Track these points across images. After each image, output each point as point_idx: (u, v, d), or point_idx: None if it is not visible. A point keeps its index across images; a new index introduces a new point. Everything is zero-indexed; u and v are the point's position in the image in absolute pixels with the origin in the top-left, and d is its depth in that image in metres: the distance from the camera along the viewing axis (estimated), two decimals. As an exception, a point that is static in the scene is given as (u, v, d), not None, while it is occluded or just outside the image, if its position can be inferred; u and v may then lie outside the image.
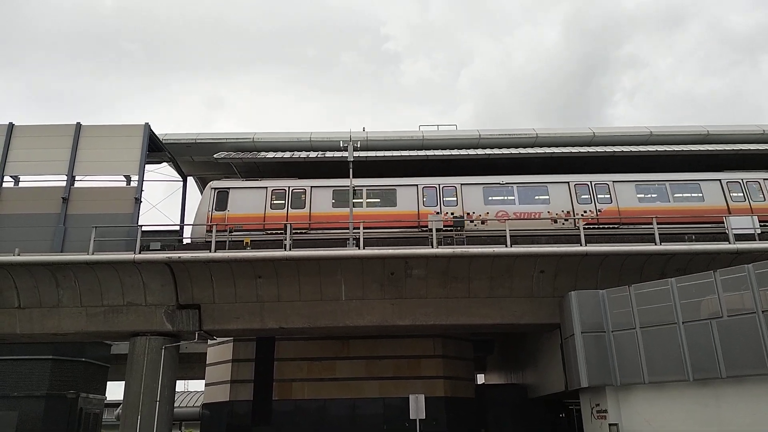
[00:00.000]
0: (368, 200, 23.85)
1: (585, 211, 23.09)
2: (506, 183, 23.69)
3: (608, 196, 23.54)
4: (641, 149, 25.87)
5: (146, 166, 23.17)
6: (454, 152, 26.01)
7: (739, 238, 21.07)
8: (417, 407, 20.27)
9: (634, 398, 18.96)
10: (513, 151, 26.01)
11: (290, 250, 20.83)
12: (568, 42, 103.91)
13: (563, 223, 22.77)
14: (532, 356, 27.98)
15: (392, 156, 25.64)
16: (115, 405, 43.98)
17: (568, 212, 23.04)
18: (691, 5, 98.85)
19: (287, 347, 27.22)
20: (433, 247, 20.88)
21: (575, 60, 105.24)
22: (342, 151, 23.89)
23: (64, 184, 22.22)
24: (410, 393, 21.22)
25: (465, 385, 28.48)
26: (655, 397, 18.52)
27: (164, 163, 26.52)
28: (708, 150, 25.90)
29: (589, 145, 26.70)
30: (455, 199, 23.51)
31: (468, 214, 23.01)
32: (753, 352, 16.43)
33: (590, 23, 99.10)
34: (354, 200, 23.02)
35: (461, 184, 23.74)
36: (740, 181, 24.10)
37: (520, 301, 22.24)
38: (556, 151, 25.81)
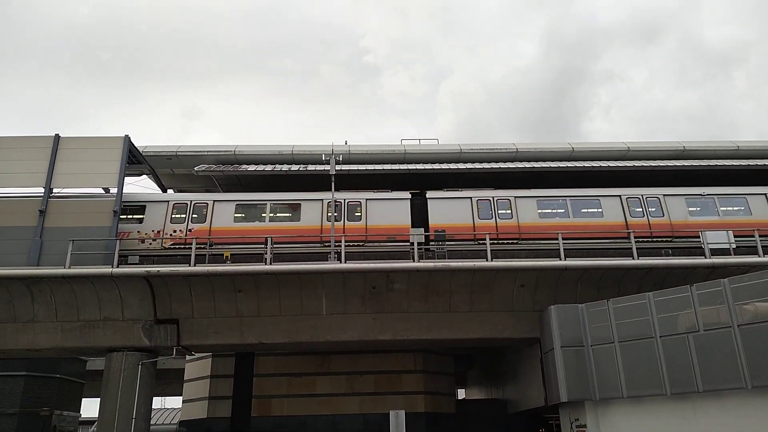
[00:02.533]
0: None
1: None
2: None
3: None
4: (618, 164, 26.31)
5: (126, 178, 22.91)
6: (436, 166, 26.18)
7: (714, 252, 21.42)
8: (397, 423, 20.06)
9: (613, 412, 19.05)
10: (494, 165, 26.28)
11: (271, 263, 20.72)
12: (545, 56, 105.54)
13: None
14: (512, 371, 28.01)
15: (374, 169, 25.78)
16: (90, 422, 43.23)
17: None
18: (665, 19, 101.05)
19: (267, 363, 26.92)
20: (414, 261, 20.94)
21: (552, 74, 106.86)
22: (324, 164, 23.87)
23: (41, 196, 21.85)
24: (390, 409, 21.03)
25: (446, 401, 28.38)
26: (633, 412, 18.61)
27: (144, 176, 26.28)
28: (684, 166, 26.38)
29: (568, 159, 27.08)
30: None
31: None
32: (729, 366, 16.64)
33: (567, 37, 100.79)
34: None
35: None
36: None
37: (500, 315, 22.34)
38: (535, 165, 26.14)
